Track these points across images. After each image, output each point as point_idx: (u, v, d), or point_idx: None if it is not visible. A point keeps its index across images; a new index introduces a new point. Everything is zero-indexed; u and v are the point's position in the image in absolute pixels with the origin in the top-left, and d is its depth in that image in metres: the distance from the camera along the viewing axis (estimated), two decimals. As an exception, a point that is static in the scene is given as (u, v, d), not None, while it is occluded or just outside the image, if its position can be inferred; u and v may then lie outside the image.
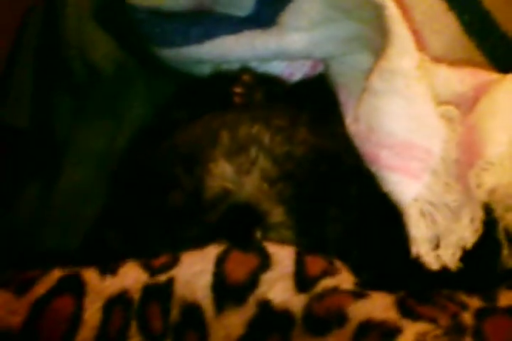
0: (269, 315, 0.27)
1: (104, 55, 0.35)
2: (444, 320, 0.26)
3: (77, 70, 0.35)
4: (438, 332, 0.26)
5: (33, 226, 0.35)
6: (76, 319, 0.27)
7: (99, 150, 0.36)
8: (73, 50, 0.35)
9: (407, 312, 0.26)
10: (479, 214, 0.29)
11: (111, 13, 0.35)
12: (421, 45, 0.33)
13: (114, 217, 0.33)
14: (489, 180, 0.28)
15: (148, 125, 0.36)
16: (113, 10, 0.35)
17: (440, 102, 0.30)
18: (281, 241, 0.29)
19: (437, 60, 0.33)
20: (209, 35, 0.35)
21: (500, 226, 0.30)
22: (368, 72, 0.30)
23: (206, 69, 0.36)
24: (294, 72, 0.35)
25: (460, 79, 0.31)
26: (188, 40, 0.34)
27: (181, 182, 0.31)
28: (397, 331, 0.26)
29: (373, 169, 0.30)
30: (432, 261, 0.29)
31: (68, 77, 0.35)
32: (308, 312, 0.27)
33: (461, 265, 0.29)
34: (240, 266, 0.28)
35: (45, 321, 0.28)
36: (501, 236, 0.30)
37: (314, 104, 0.34)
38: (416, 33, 0.32)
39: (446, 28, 0.34)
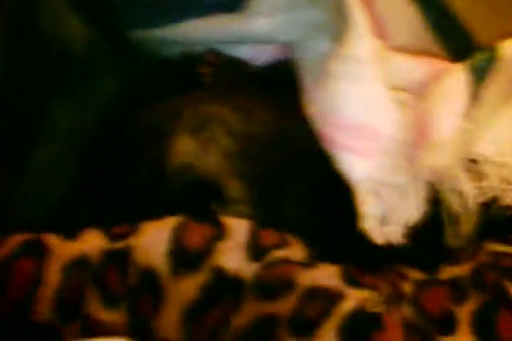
0: (221, 281, 0.29)
1: (75, 31, 0.36)
2: (385, 289, 0.28)
3: (49, 48, 0.37)
4: (378, 299, 0.29)
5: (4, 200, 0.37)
6: (37, 280, 0.29)
7: (69, 128, 0.38)
8: (48, 27, 0.36)
9: (351, 281, 0.28)
10: (424, 194, 0.31)
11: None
12: (383, 34, 0.35)
13: (83, 190, 0.35)
14: (434, 161, 0.30)
15: (116, 103, 0.38)
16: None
17: (397, 87, 0.33)
18: (239, 216, 0.31)
19: (400, 49, 0.35)
20: (180, 17, 0.36)
21: (444, 206, 0.32)
22: (328, 57, 0.32)
23: (176, 51, 0.38)
24: (259, 56, 0.37)
25: (416, 67, 0.34)
26: (160, 22, 0.36)
27: (146, 156, 0.33)
28: (340, 297, 0.28)
29: (329, 149, 0.32)
30: (377, 236, 0.31)
31: (42, 55, 0.37)
32: (259, 279, 0.29)
33: (406, 242, 0.31)
34: (196, 234, 0.30)
35: (8, 281, 0.30)
36: (444, 215, 0.32)
37: (279, 87, 0.36)
38: (378, 22, 0.34)
39: (407, 19, 0.35)
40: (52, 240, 0.30)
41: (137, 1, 0.37)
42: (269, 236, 0.31)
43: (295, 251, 0.30)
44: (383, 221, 0.31)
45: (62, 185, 0.36)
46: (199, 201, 0.32)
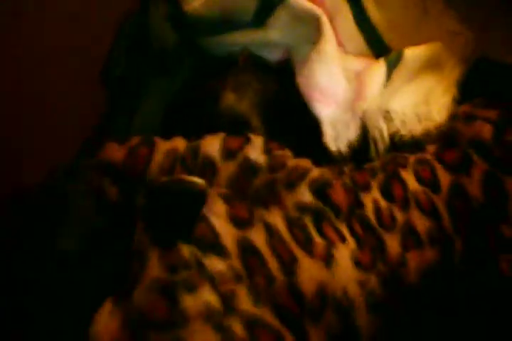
0: (247, 163, 0.52)
1: (168, 36, 0.61)
2: (335, 170, 0.52)
3: (153, 46, 0.61)
4: (331, 173, 0.51)
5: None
6: (149, 159, 0.50)
7: (163, 91, 0.61)
8: (152, 32, 0.61)
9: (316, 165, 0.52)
10: (359, 125, 0.55)
11: (177, 19, 0.61)
12: (340, 43, 0.60)
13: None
14: (365, 108, 0.55)
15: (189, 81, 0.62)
16: (178, 16, 0.61)
17: (347, 70, 0.57)
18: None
19: (348, 52, 0.60)
20: (227, 30, 0.60)
21: (370, 135, 0.57)
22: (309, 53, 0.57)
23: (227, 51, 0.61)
24: (273, 56, 0.60)
25: (357, 61, 0.58)
26: (216, 33, 0.60)
27: (209, 103, 0.57)
28: (310, 170, 0.51)
29: (308, 102, 0.57)
30: (333, 146, 0.55)
31: (149, 50, 0.61)
32: (268, 164, 0.52)
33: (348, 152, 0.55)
34: (234, 140, 0.50)
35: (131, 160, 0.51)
36: (370, 139, 0.56)
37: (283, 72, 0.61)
38: (337, 37, 0.59)
39: (351, 35, 0.60)
40: (157, 139, 0.50)
41: (204, 21, 0.62)
42: (274, 144, 0.54)
43: (287, 152, 0.54)
44: (336, 139, 0.56)
45: (157, 122, 0.60)
46: (237, 127, 0.56)
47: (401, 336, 0.46)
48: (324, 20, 0.55)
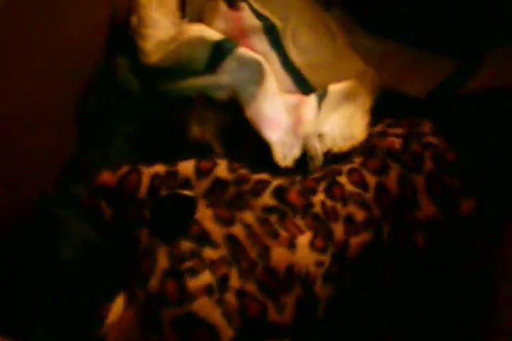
0: (217, 181, 0.66)
1: (134, 87, 0.73)
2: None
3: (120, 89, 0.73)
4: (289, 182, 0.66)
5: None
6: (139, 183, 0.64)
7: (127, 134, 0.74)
8: (119, 79, 0.73)
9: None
10: (300, 146, 0.70)
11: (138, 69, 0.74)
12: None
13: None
14: (303, 132, 0.70)
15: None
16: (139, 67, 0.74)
17: (286, 104, 0.72)
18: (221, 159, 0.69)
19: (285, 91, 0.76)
20: (183, 77, 0.74)
21: (308, 154, 0.71)
22: (256, 91, 0.72)
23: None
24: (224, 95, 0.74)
25: (293, 98, 0.73)
26: (174, 79, 0.74)
27: (177, 133, 0.70)
28: (271, 179, 0.66)
29: (259, 130, 0.70)
30: (282, 165, 0.68)
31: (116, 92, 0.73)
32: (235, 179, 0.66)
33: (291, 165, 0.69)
34: (206, 163, 0.68)
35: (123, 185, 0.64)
36: (308, 156, 0.70)
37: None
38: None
39: (284, 81, 0.75)
40: (142, 167, 0.61)
41: (163, 70, 0.75)
42: (236, 165, 0.64)
43: (247, 169, 0.66)
44: (284, 158, 0.70)
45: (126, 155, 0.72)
46: (203, 153, 0.69)
47: (347, 299, 0.60)
48: (266, 65, 0.70)
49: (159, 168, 0.63)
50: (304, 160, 0.69)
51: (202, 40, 0.68)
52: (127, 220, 0.63)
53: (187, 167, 0.63)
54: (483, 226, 0.65)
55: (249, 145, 0.69)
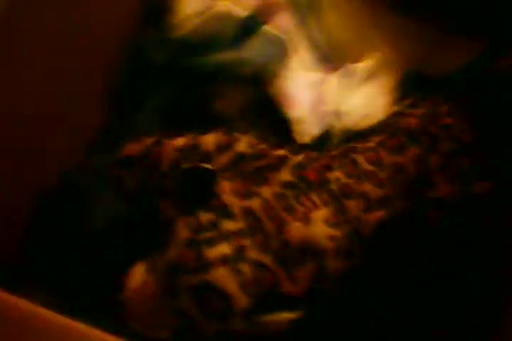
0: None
1: (161, 61, 0.75)
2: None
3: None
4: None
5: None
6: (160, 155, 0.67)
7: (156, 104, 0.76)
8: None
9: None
10: (320, 125, 0.71)
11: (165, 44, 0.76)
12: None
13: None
14: (324, 110, 0.72)
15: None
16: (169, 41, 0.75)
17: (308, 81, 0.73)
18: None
19: None
20: (208, 52, 0.75)
21: (328, 131, 0.73)
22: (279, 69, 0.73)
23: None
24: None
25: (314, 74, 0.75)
26: (200, 53, 0.76)
27: None
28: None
29: (281, 107, 0.71)
30: (300, 141, 0.70)
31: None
32: None
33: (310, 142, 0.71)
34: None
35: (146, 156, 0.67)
36: (327, 136, 0.73)
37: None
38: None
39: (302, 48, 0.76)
40: (164, 139, 0.64)
41: (189, 44, 0.76)
42: (255, 140, 0.68)
43: (266, 145, 0.69)
44: (302, 135, 0.71)
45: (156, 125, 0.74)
46: (226, 127, 0.71)
47: (360, 278, 0.62)
48: (289, 43, 0.71)
49: (181, 141, 0.66)
50: (324, 137, 0.70)
51: (228, 16, 0.70)
52: (149, 191, 0.65)
53: (208, 141, 0.65)
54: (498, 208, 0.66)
55: (271, 121, 0.70)
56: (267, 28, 0.70)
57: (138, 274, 0.60)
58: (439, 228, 0.63)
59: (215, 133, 0.66)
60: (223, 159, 0.65)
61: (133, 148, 0.66)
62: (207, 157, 0.64)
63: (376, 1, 0.82)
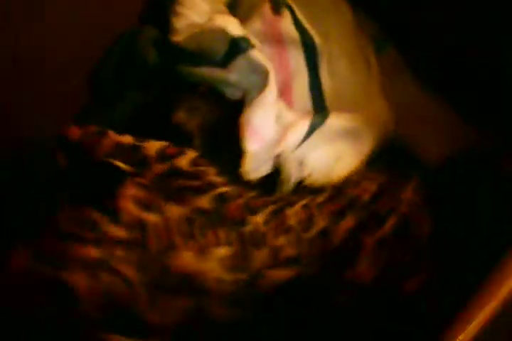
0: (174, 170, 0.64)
1: (151, 63, 0.73)
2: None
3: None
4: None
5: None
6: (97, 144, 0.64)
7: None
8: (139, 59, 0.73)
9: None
10: (271, 166, 0.66)
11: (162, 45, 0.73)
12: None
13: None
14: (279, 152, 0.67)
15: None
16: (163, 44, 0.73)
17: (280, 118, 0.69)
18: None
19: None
20: (199, 63, 0.71)
21: (281, 176, 0.68)
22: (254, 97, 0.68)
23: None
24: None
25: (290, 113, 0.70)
26: (192, 63, 0.73)
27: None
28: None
29: (242, 136, 0.67)
30: (246, 177, 0.65)
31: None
32: None
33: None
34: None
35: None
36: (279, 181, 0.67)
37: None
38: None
39: (302, 88, 0.71)
40: (110, 132, 0.61)
41: (184, 52, 0.73)
42: (203, 161, 0.63)
43: (212, 169, 0.64)
44: (252, 172, 0.66)
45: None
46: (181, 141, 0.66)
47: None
48: (271, 75, 0.67)
49: (127, 139, 0.63)
50: (271, 180, 0.65)
51: (222, 32, 0.67)
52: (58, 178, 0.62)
53: (153, 147, 0.62)
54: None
55: (227, 147, 0.66)
56: (255, 52, 0.67)
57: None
58: (346, 309, 0.57)
59: (165, 143, 0.62)
60: (158, 169, 0.61)
61: (73, 131, 0.63)
62: (143, 161, 0.60)
63: (401, 66, 0.77)
